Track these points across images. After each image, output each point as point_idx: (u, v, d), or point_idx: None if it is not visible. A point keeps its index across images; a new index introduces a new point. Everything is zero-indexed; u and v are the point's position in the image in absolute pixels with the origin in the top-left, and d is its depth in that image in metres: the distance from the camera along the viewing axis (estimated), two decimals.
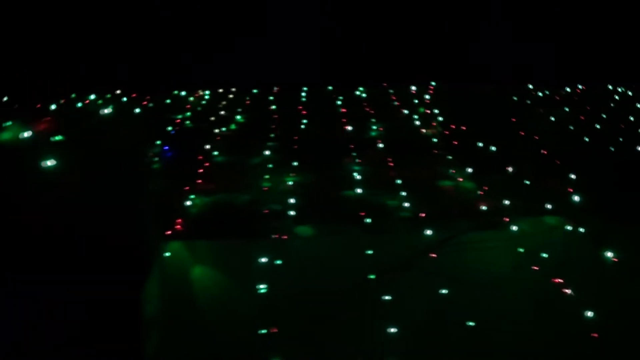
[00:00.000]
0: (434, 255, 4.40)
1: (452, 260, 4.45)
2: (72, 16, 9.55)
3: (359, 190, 5.54)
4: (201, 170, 6.08)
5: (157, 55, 9.70)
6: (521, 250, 4.51)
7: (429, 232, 4.70)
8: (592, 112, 8.18)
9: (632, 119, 7.88)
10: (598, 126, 7.55)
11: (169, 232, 4.72)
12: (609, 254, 4.37)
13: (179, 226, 4.86)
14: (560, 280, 4.14)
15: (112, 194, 3.40)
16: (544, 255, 4.43)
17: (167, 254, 4.35)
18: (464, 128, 7.18)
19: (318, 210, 5.18)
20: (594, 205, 5.25)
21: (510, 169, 6.02)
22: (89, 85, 9.10)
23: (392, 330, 3.80)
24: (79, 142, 3.49)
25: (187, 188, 5.60)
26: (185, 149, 6.73)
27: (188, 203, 5.32)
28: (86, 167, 3.42)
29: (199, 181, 5.83)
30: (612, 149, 6.76)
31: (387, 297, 4.00)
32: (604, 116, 7.95)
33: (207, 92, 9.31)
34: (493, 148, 6.63)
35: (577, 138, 7.15)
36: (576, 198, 5.30)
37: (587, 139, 7.05)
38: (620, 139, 7.05)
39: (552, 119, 7.89)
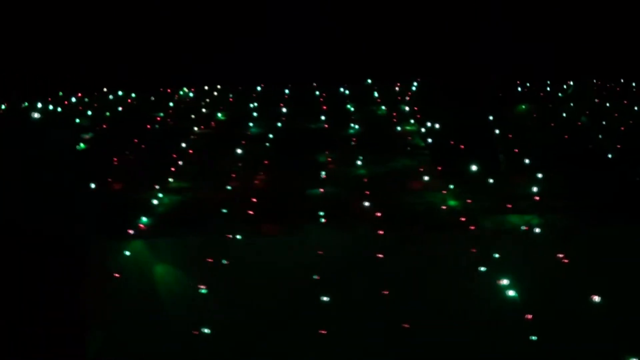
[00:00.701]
0: (383, 255, 4.42)
1: (407, 259, 4.47)
2: (71, 16, 9.67)
3: (321, 190, 5.57)
4: (173, 169, 6.16)
5: (156, 55, 9.79)
6: (475, 250, 4.51)
7: (382, 232, 4.72)
8: (575, 108, 8.12)
9: (616, 115, 7.81)
10: (579, 123, 7.50)
11: (131, 231, 4.79)
12: (561, 255, 4.36)
13: (141, 225, 4.93)
14: (507, 281, 4.14)
15: (50, 191, 3.45)
16: (498, 255, 4.43)
17: (126, 252, 4.42)
18: (437, 126, 7.16)
19: (279, 210, 5.23)
20: (558, 205, 5.24)
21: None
22: (88, 85, 9.25)
23: (335, 329, 3.85)
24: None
25: (156, 186, 5.69)
26: (161, 146, 6.80)
27: (154, 201, 5.40)
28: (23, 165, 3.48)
29: (169, 179, 5.92)
30: (590, 146, 6.71)
31: (330, 297, 4.03)
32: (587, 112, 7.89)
33: (185, 89, 9.41)
34: (462, 147, 6.61)
35: (555, 135, 7.10)
36: (538, 198, 5.29)
37: (565, 137, 7.01)
38: (600, 136, 6.99)
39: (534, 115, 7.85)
